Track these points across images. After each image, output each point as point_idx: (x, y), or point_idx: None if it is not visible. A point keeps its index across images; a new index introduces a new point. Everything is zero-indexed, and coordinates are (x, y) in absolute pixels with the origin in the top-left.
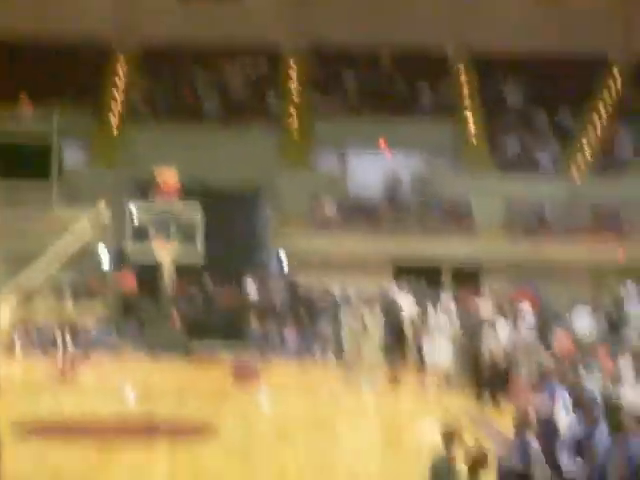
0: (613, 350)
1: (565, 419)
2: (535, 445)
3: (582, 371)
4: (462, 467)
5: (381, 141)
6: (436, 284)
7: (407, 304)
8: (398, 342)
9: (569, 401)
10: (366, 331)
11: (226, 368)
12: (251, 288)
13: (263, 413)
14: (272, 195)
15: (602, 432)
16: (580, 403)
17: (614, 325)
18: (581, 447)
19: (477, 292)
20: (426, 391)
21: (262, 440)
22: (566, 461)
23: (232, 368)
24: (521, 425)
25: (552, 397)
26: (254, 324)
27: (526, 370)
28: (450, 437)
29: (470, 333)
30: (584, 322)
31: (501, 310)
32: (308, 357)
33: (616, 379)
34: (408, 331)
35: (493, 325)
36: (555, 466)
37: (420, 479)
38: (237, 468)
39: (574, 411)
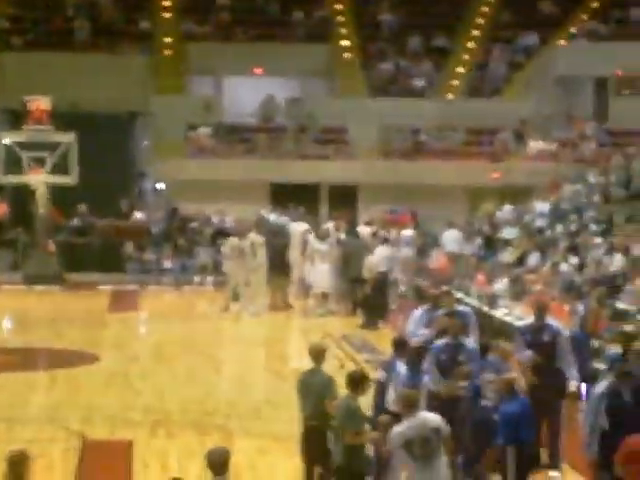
0: (489, 271)
1: (433, 340)
2: (402, 370)
3: (458, 292)
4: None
5: (256, 66)
6: (314, 207)
7: (288, 229)
8: (280, 268)
9: (440, 322)
10: (248, 257)
11: (104, 297)
12: (128, 216)
13: (142, 340)
14: (147, 121)
15: (472, 350)
16: (453, 324)
17: (490, 247)
18: (452, 366)
19: (355, 214)
20: (308, 317)
21: (141, 366)
22: (430, 382)
23: (110, 296)
24: (396, 348)
25: (425, 319)
26: (132, 252)
27: (404, 292)
28: (318, 353)
29: (350, 257)
30: (459, 244)
31: (380, 233)
32: (187, 285)
33: (492, 299)
34: (290, 257)
35: (372, 248)
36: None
37: None
38: (117, 393)
39: (445, 333)
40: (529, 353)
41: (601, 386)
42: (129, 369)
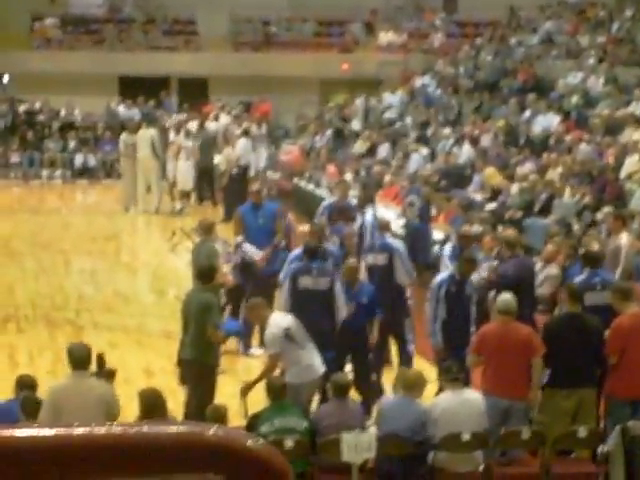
0: (340, 163)
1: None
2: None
3: (310, 184)
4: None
5: None
6: (163, 99)
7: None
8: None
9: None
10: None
11: None
12: None
13: None
14: None
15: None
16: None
17: (340, 138)
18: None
19: (207, 107)
20: (170, 213)
21: None
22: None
23: None
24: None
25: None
26: None
27: (258, 185)
28: (207, 226)
29: (205, 149)
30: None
31: (232, 125)
32: (35, 179)
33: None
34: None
35: (227, 140)
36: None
37: (152, 295)
38: None
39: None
40: None
41: (440, 276)
42: None
